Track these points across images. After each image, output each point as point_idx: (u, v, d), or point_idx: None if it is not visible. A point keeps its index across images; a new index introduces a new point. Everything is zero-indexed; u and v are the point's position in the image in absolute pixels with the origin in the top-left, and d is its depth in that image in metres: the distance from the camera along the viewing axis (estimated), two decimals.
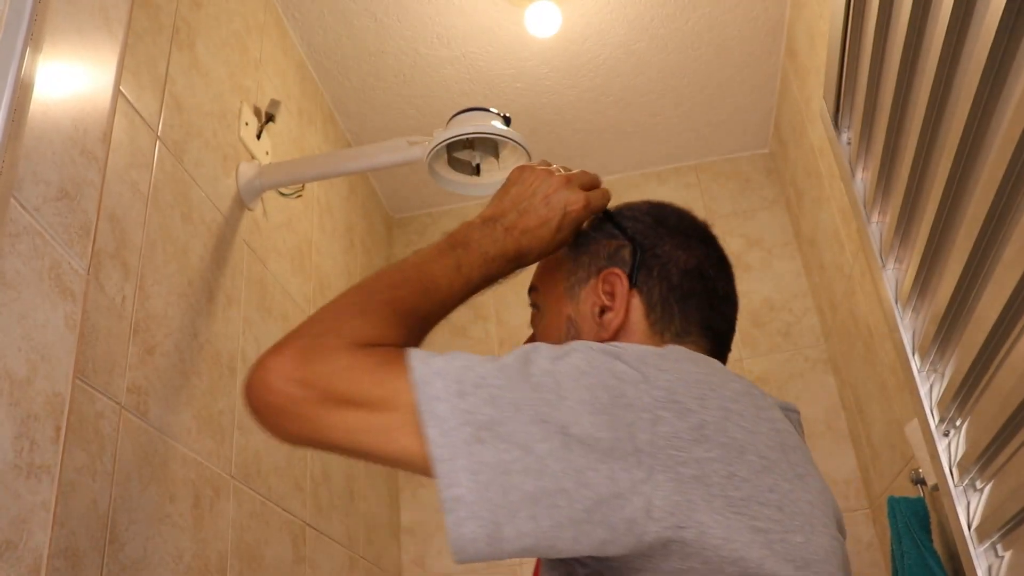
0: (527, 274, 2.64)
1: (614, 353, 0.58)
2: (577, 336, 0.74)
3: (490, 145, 1.42)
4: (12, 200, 0.82)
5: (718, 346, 0.76)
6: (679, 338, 0.72)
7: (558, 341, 0.70)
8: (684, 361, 0.60)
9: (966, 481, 1.14)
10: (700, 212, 2.69)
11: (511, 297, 2.45)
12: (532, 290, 0.82)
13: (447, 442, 0.52)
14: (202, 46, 1.42)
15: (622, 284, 0.73)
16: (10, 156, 0.76)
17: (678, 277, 0.74)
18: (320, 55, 2.01)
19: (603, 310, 0.73)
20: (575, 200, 0.75)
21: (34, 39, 0.78)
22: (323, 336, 0.59)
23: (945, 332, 1.16)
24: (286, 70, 1.86)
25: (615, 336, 0.72)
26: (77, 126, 0.96)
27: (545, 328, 0.78)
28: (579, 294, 0.76)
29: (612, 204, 0.82)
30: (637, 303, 0.73)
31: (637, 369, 0.56)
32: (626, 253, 0.75)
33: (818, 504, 0.60)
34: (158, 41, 1.27)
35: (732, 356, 2.33)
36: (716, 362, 0.65)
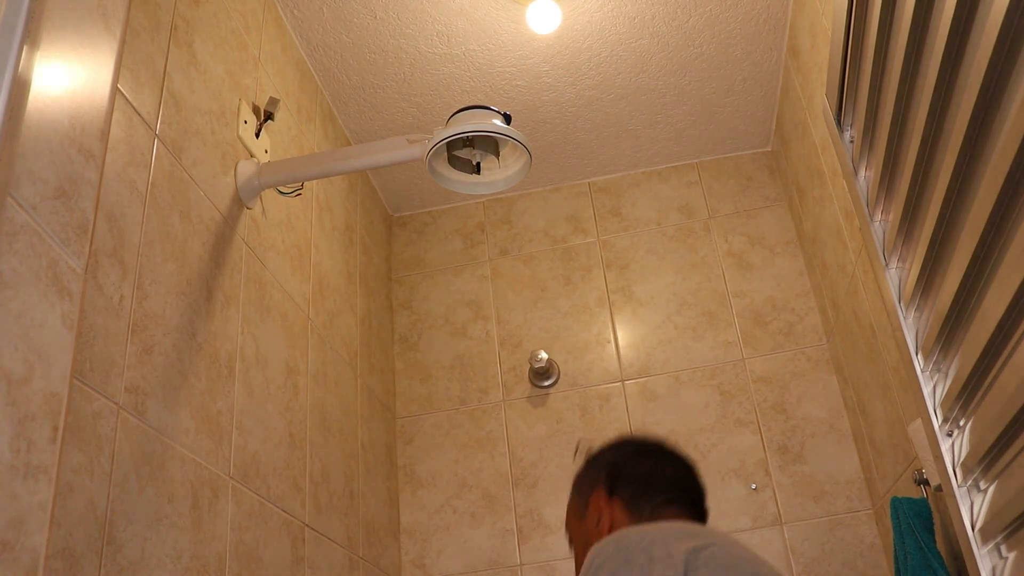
0: (527, 272, 2.61)
1: None
2: (588, 543, 1.00)
3: (490, 143, 1.42)
4: (9, 198, 0.82)
5: (692, 505, 1.01)
6: (654, 512, 0.99)
7: (586, 551, 1.00)
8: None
9: (970, 482, 1.13)
10: (702, 210, 2.67)
11: (511, 297, 2.45)
12: (567, 530, 1.11)
13: None
14: (200, 43, 1.42)
15: (603, 497, 1.02)
16: (7, 154, 0.75)
17: (636, 478, 1.02)
18: (319, 53, 2.00)
19: (599, 519, 1.01)
20: None
21: (31, 36, 0.77)
22: None
23: (948, 332, 1.15)
24: (285, 68, 1.85)
25: (609, 531, 0.98)
26: (74, 124, 0.95)
27: (579, 554, 1.06)
28: (586, 516, 1.04)
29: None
30: (619, 504, 1.01)
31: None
32: (602, 477, 1.04)
33: None
34: (156, 38, 1.26)
35: (735, 356, 2.34)
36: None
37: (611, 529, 0.99)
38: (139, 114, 1.18)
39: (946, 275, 1.13)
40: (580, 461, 1.13)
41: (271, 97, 1.64)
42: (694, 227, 2.46)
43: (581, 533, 1.06)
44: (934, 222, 1.13)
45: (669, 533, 0.84)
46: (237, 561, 1.27)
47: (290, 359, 1.63)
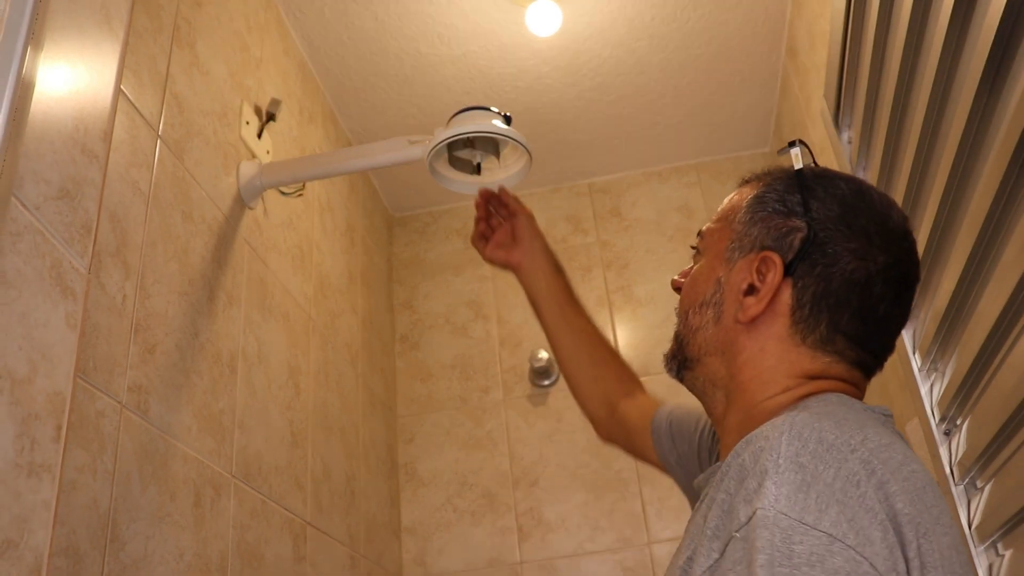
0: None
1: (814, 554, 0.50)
2: (720, 304, 0.73)
3: (491, 144, 1.42)
4: (13, 199, 0.82)
5: (867, 361, 0.71)
6: (821, 345, 0.69)
7: (702, 299, 0.75)
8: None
9: (967, 480, 1.14)
10: (701, 212, 2.63)
11: (512, 297, 2.45)
12: (701, 234, 0.80)
13: None
14: (203, 45, 1.42)
15: (775, 274, 0.69)
16: (11, 155, 0.76)
17: (838, 283, 0.68)
18: (321, 54, 2.01)
19: (750, 289, 0.71)
20: None
21: (35, 38, 0.78)
22: None
23: (946, 331, 1.16)
24: (287, 69, 1.86)
25: (750, 321, 0.70)
26: (78, 125, 0.96)
27: (696, 277, 0.78)
28: (736, 262, 0.73)
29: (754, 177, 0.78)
30: (786, 296, 0.69)
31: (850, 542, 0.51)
32: (797, 240, 0.70)
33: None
34: (159, 40, 1.27)
35: None
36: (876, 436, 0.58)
37: (750, 322, 0.70)
38: (142, 115, 1.19)
39: (943, 274, 1.14)
40: (788, 164, 0.75)
41: (273, 98, 1.64)
42: (693, 227, 2.46)
43: (707, 277, 0.75)
44: (932, 221, 1.14)
45: (893, 462, 0.56)
46: (239, 559, 1.28)
47: (292, 359, 1.63)
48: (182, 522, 1.13)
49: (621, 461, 2.20)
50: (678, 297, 0.81)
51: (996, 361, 1.02)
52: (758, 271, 0.70)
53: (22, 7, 0.76)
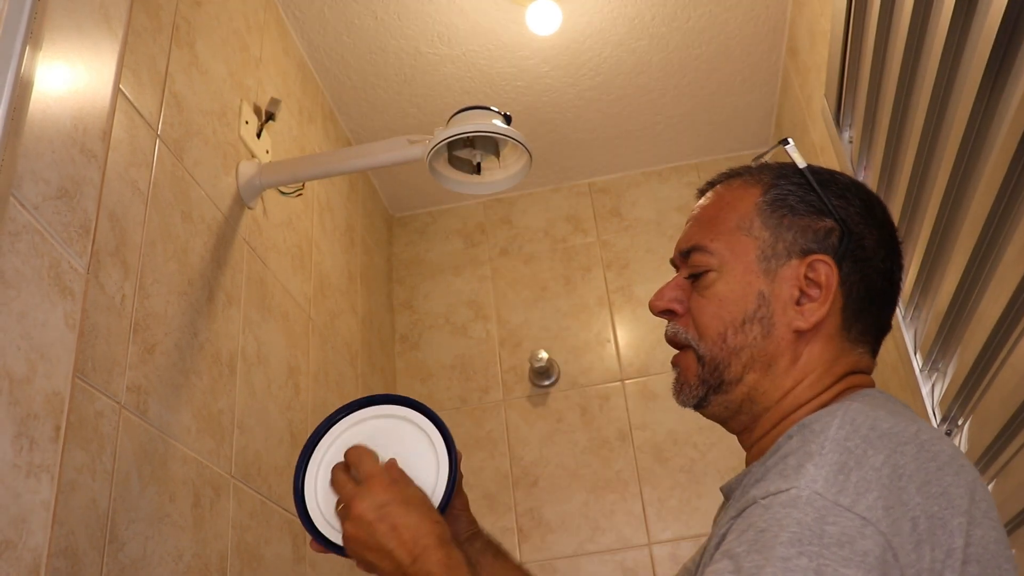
0: (527, 272, 2.59)
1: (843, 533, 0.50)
2: (768, 317, 0.68)
3: (491, 144, 1.42)
4: (11, 198, 0.82)
5: (880, 340, 0.73)
6: (857, 341, 0.69)
7: (743, 316, 0.69)
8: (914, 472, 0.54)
9: None
10: None
11: (511, 297, 2.45)
12: (696, 250, 0.72)
13: None
14: (202, 44, 1.42)
15: (833, 276, 0.67)
16: (9, 154, 0.76)
17: (877, 277, 0.69)
18: (321, 53, 2.00)
19: (801, 297, 0.68)
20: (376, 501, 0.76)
21: (34, 37, 0.78)
22: None
23: (947, 331, 1.16)
24: (287, 68, 1.86)
25: (812, 328, 0.67)
26: (77, 124, 0.96)
27: (725, 296, 0.70)
28: (777, 272, 0.69)
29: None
30: (840, 300, 0.68)
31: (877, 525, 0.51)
32: (835, 238, 0.68)
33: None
34: (158, 39, 1.27)
35: None
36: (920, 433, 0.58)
37: (817, 325, 0.67)
38: (141, 114, 1.18)
39: (945, 275, 1.13)
40: (783, 158, 0.73)
41: (272, 98, 1.64)
42: None
43: (744, 293, 0.69)
44: (933, 222, 1.14)
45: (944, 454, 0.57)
46: (239, 559, 1.27)
47: (291, 358, 1.63)
48: (181, 523, 1.13)
49: (621, 461, 2.20)
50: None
51: (997, 362, 1.02)
52: (808, 277, 0.68)
53: (21, 6, 0.76)
